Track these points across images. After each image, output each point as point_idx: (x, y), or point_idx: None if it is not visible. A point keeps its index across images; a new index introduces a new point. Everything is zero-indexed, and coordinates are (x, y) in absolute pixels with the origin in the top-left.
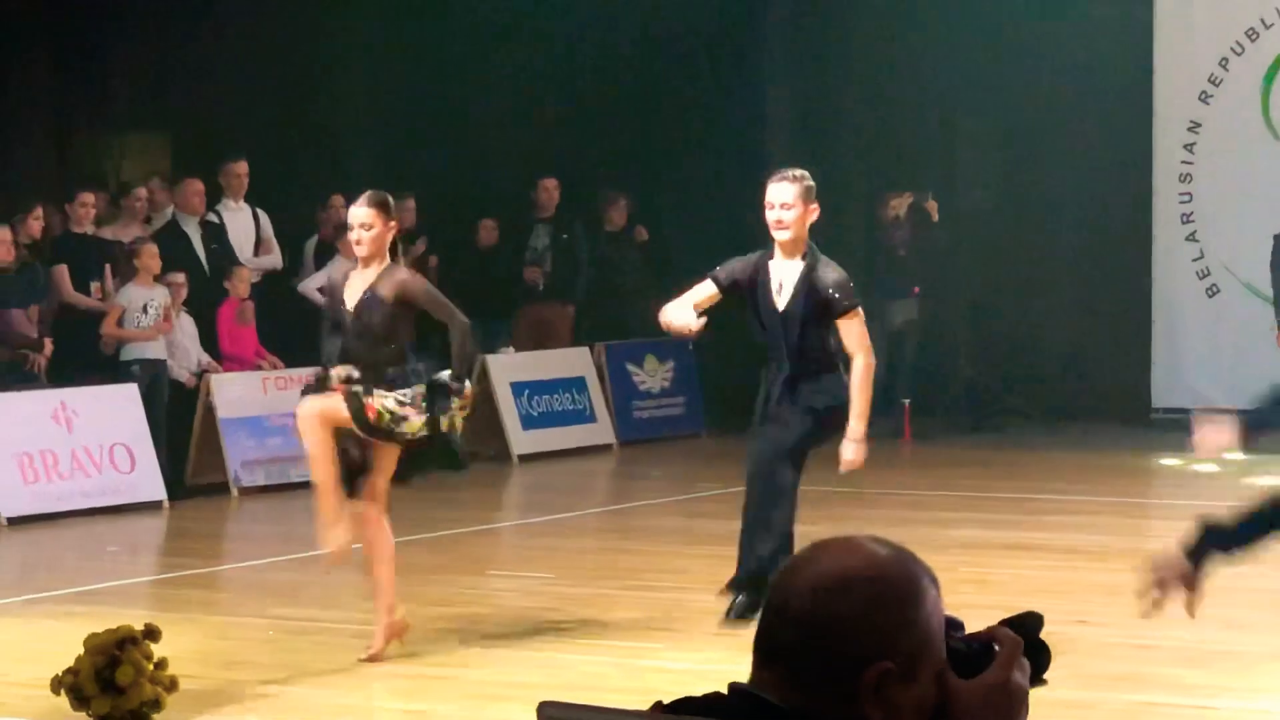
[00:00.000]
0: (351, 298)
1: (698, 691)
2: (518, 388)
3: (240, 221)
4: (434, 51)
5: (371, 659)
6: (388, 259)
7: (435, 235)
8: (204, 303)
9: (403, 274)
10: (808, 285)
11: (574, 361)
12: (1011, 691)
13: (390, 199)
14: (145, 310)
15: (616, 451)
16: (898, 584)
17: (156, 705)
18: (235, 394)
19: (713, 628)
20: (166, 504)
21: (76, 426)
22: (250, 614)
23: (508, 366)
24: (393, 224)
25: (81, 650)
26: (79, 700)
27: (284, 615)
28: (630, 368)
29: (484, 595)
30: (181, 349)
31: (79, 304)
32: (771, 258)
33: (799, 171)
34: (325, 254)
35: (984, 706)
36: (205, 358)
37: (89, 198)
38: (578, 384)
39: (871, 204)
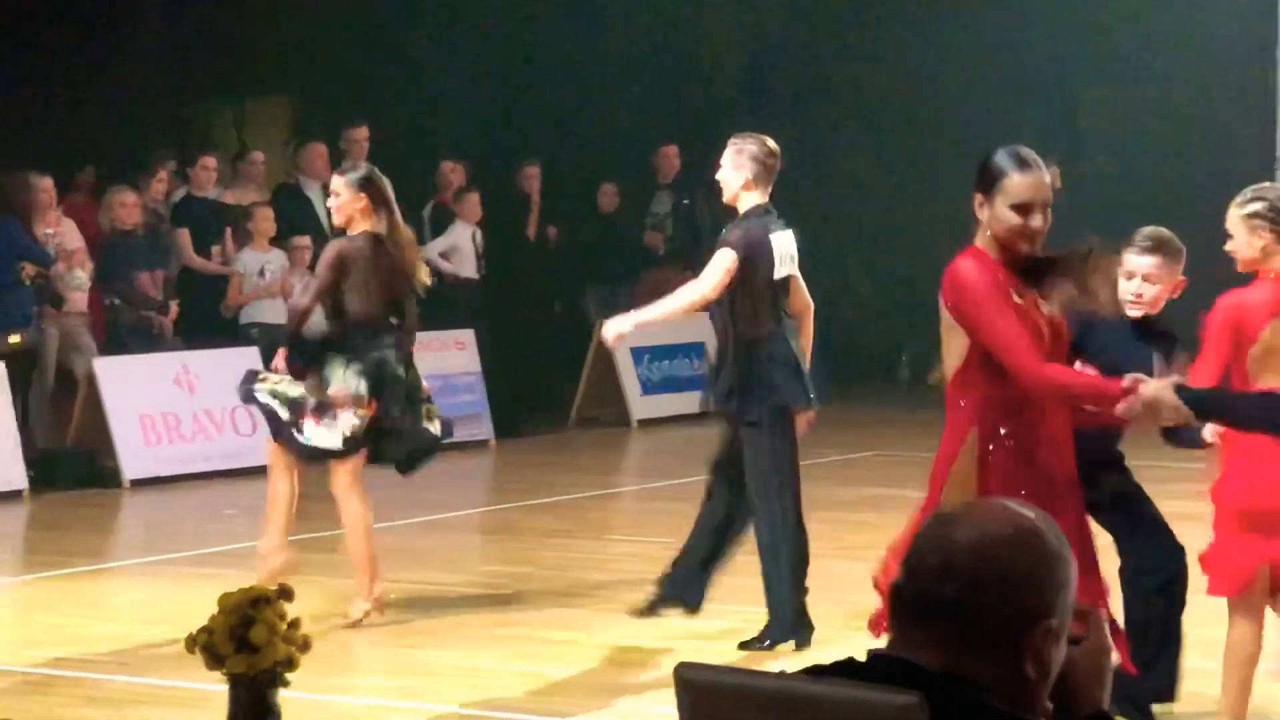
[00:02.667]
0: None
1: (821, 659)
2: (637, 353)
3: None
4: (554, 15)
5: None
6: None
7: (557, 200)
8: None
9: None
10: None
11: (693, 327)
12: (1108, 657)
13: (372, 178)
14: (261, 274)
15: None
16: (1055, 545)
17: (290, 665)
18: None
19: (838, 594)
20: None
21: (198, 389)
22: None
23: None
24: (361, 196)
25: (215, 610)
26: (214, 659)
27: (405, 578)
28: None
29: (604, 560)
30: None
31: (200, 267)
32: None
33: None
34: (442, 218)
35: (1092, 671)
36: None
37: (210, 161)
38: (697, 349)
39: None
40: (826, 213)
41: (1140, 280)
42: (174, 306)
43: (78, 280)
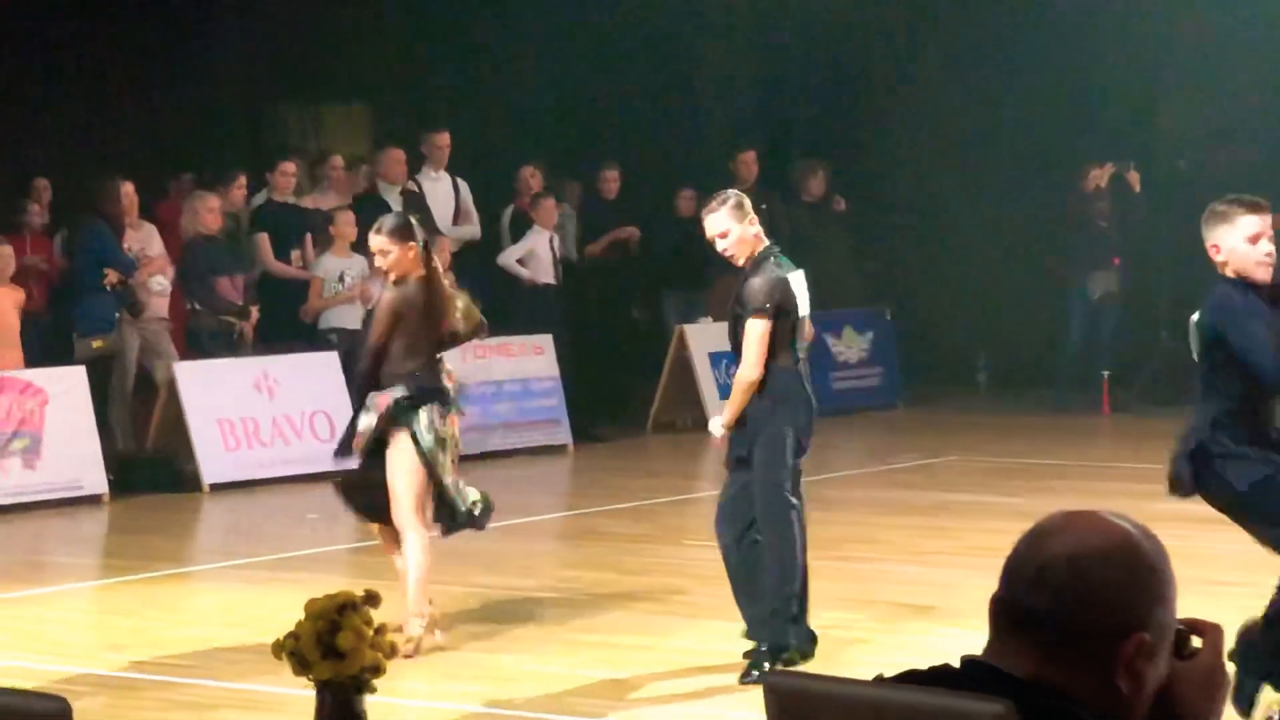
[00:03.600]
0: None
1: (897, 664)
2: (715, 357)
3: (440, 191)
4: (634, 23)
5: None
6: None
7: (635, 206)
8: None
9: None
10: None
11: None
12: (1223, 674)
13: (410, 222)
14: (341, 279)
15: (814, 422)
16: (1153, 559)
17: (377, 671)
18: None
19: (915, 598)
20: None
21: (278, 394)
22: (451, 582)
23: (705, 336)
24: (411, 245)
25: (297, 615)
26: (301, 665)
27: (485, 583)
28: (827, 339)
29: (683, 565)
30: None
31: (280, 272)
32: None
33: (725, 193)
34: (521, 224)
35: (1203, 687)
36: None
37: (290, 167)
38: None
39: (1072, 176)
40: (906, 220)
41: (1266, 239)
42: (254, 311)
43: (159, 285)
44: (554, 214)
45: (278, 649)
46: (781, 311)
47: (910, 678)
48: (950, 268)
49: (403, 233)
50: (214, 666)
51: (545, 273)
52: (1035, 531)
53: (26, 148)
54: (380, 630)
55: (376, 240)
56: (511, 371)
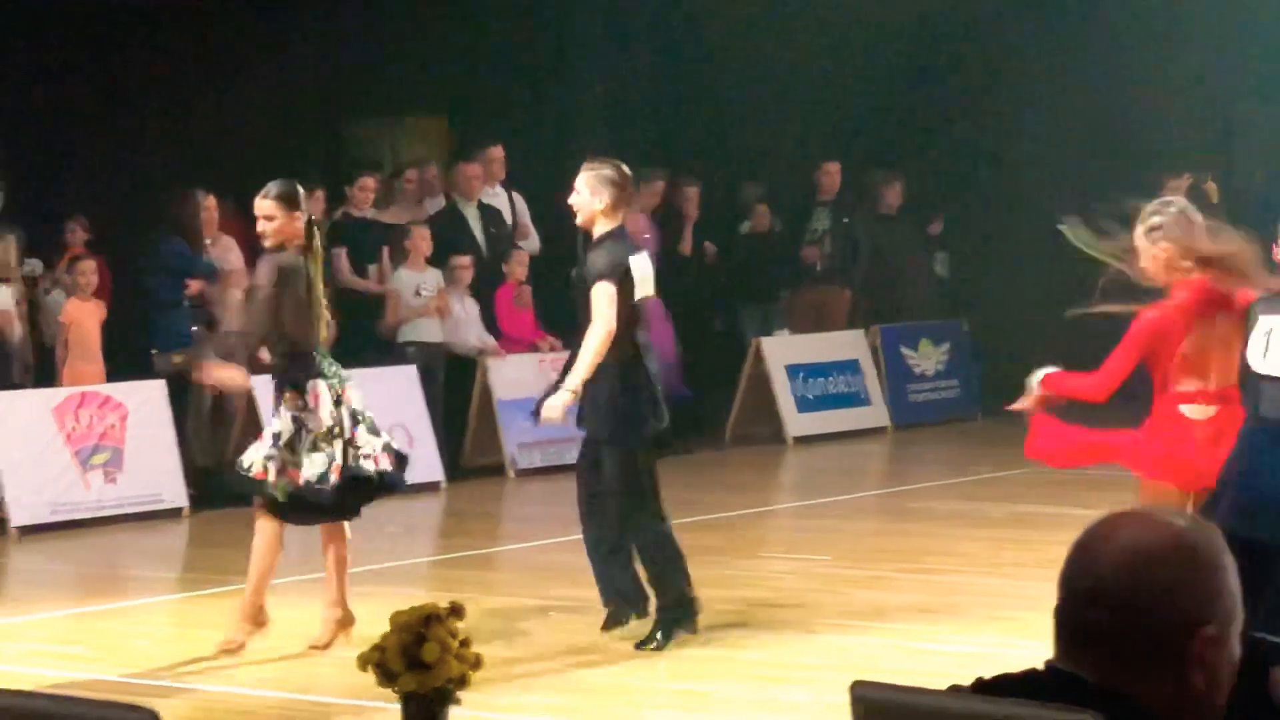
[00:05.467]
0: None
1: (980, 674)
2: (792, 370)
3: (499, 206)
4: (715, 33)
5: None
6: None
7: (710, 219)
8: (482, 285)
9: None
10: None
11: (849, 344)
12: None
13: (297, 191)
14: (417, 293)
15: (890, 434)
16: (1206, 550)
17: (462, 683)
18: (512, 376)
19: (994, 610)
20: (444, 485)
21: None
22: (528, 595)
23: (782, 349)
24: (297, 214)
25: (380, 627)
26: (386, 676)
27: (562, 596)
28: (905, 350)
29: (762, 577)
30: (462, 331)
31: (356, 287)
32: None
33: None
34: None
35: None
36: (489, 339)
37: (369, 181)
38: (852, 367)
39: (1150, 187)
40: (984, 231)
41: None
42: (332, 326)
43: (237, 299)
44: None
45: (363, 661)
46: (621, 284)
47: (996, 684)
48: (1028, 278)
49: (290, 200)
50: (293, 680)
51: None
52: (1085, 540)
53: (103, 161)
54: (465, 642)
55: (263, 205)
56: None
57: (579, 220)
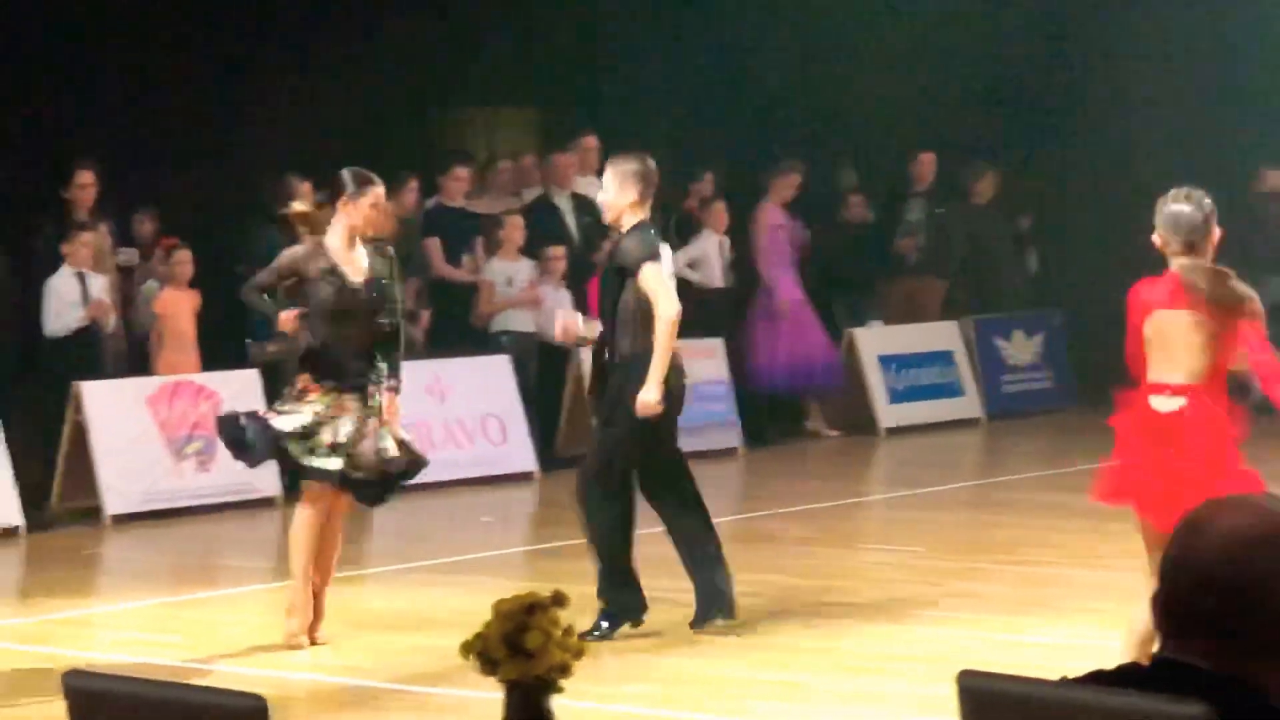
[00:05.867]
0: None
1: (1074, 668)
2: (885, 361)
3: (592, 196)
4: (807, 25)
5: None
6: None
7: (806, 210)
8: (575, 275)
9: None
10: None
11: (942, 335)
12: None
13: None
14: (510, 283)
15: (984, 425)
16: None
17: (564, 671)
18: None
19: (1088, 602)
20: (538, 475)
21: (449, 398)
22: None
23: (875, 340)
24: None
25: (472, 616)
26: (488, 664)
27: (659, 586)
28: (998, 341)
29: (855, 568)
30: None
31: (450, 276)
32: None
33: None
34: (687, 229)
35: None
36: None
37: (462, 171)
38: (945, 358)
39: (1249, 178)
40: (1077, 222)
41: None
42: (425, 315)
43: None
44: (725, 218)
45: (465, 649)
46: None
47: (1098, 679)
48: (1123, 269)
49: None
50: (388, 669)
51: (715, 277)
52: (1185, 529)
53: (193, 149)
54: (568, 631)
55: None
56: None
57: (607, 217)
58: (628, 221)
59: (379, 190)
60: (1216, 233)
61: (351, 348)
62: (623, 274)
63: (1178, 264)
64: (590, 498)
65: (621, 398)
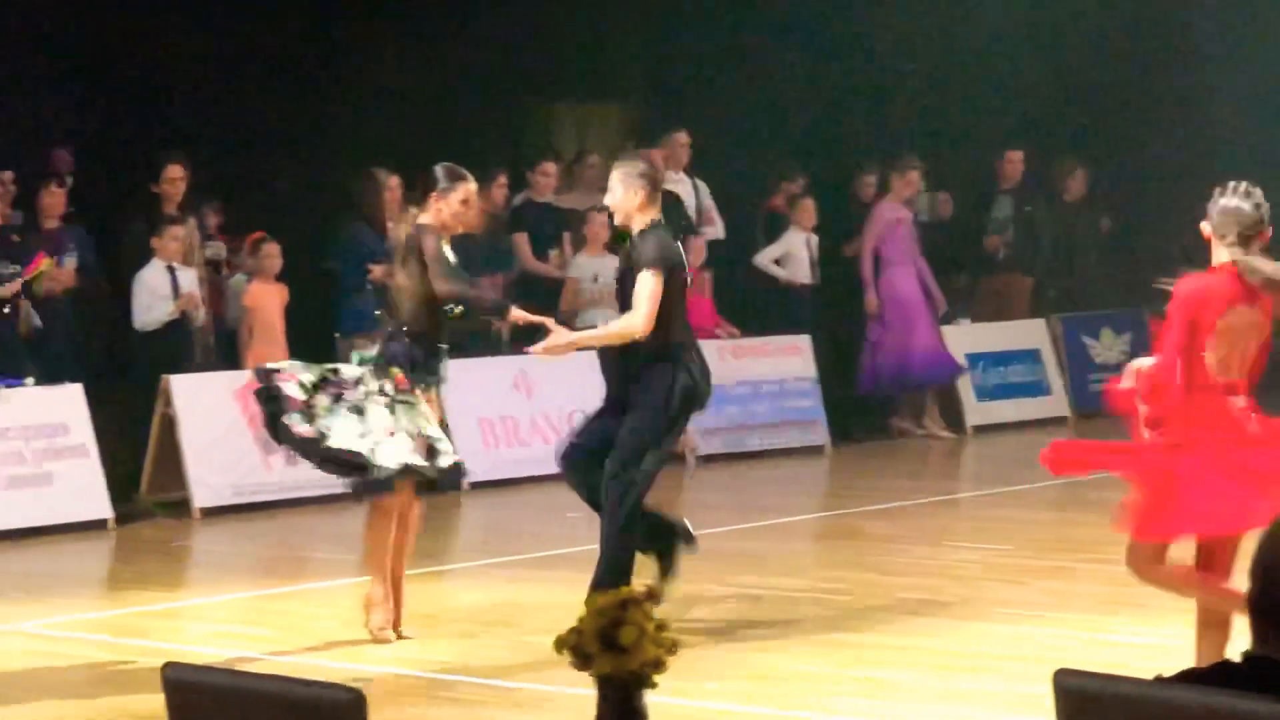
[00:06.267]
0: None
1: (1160, 667)
2: (973, 359)
3: (682, 193)
4: (895, 24)
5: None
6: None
7: None
8: None
9: None
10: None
11: (1030, 333)
12: None
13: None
14: (595, 280)
15: (1072, 424)
16: None
17: (658, 666)
18: None
19: (1177, 602)
20: None
21: (536, 393)
22: (709, 581)
23: (962, 337)
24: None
25: (558, 612)
26: (581, 659)
27: (744, 583)
28: (1086, 340)
29: (943, 566)
30: None
31: (538, 272)
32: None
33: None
34: (775, 225)
35: None
36: None
37: (550, 167)
38: (1033, 356)
39: None
40: (1165, 219)
41: None
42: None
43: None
44: (813, 214)
45: (559, 643)
46: (670, 273)
47: (1192, 678)
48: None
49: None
50: (476, 664)
51: (802, 273)
52: (1275, 529)
53: (279, 142)
54: (661, 626)
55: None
56: (769, 372)
57: (617, 220)
58: (639, 223)
59: (470, 186)
60: (1268, 232)
61: (440, 342)
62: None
63: (1236, 257)
64: (613, 490)
65: (649, 397)
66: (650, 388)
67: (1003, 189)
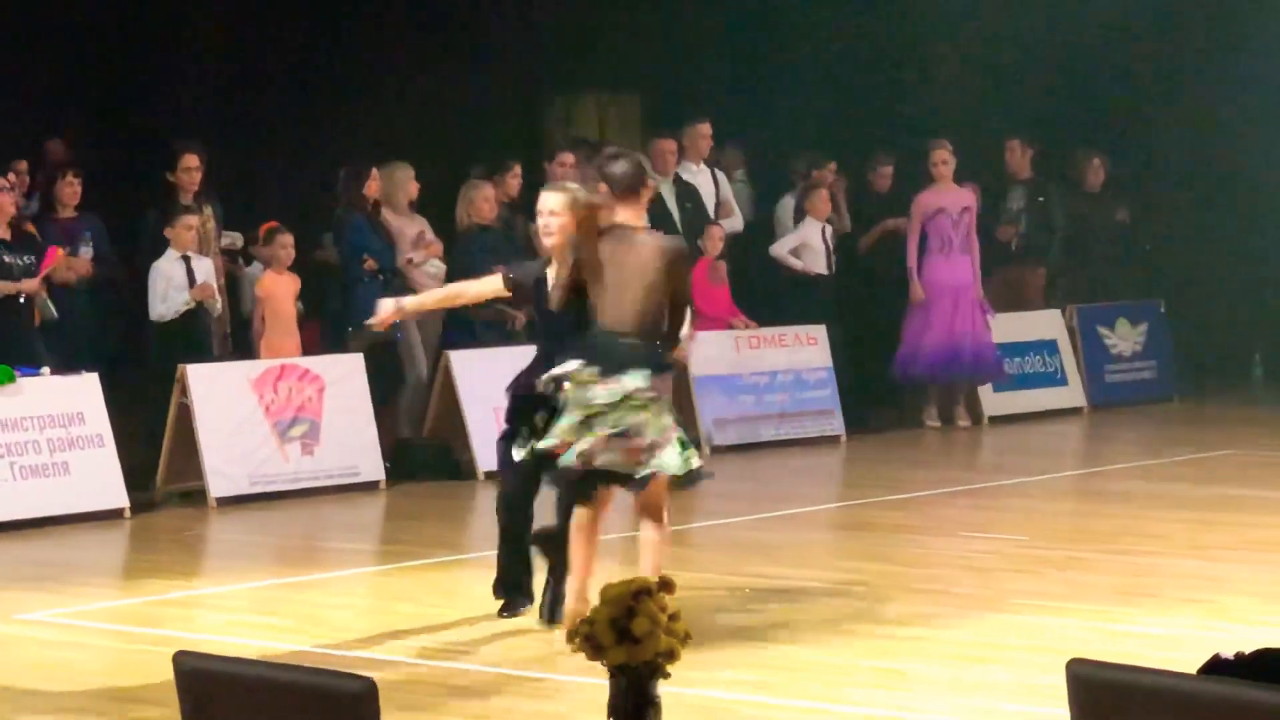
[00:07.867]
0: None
1: (1177, 659)
2: None
3: (701, 184)
4: (912, 11)
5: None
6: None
7: (906, 199)
8: None
9: None
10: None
11: (1045, 324)
12: None
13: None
14: None
15: (1087, 415)
16: None
17: (671, 657)
18: (708, 353)
19: (1192, 593)
20: None
21: None
22: (723, 571)
23: None
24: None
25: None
26: (595, 650)
27: (758, 572)
28: (1102, 331)
29: (958, 556)
30: None
31: None
32: (549, 264)
33: (571, 184)
34: (799, 216)
35: None
36: None
37: (568, 157)
38: (1049, 347)
39: None
40: (1181, 212)
41: None
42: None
43: (435, 268)
44: (827, 205)
45: (572, 634)
46: None
47: (1216, 670)
48: (1225, 260)
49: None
50: (492, 653)
51: (818, 263)
52: None
53: (300, 135)
54: (674, 616)
55: (552, 200)
56: (785, 362)
57: (554, 242)
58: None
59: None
60: None
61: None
62: None
63: None
64: None
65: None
66: None
67: (1015, 179)
